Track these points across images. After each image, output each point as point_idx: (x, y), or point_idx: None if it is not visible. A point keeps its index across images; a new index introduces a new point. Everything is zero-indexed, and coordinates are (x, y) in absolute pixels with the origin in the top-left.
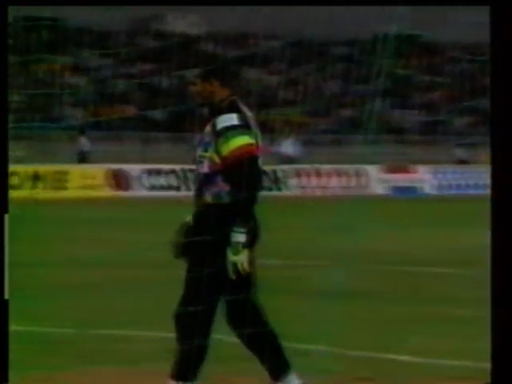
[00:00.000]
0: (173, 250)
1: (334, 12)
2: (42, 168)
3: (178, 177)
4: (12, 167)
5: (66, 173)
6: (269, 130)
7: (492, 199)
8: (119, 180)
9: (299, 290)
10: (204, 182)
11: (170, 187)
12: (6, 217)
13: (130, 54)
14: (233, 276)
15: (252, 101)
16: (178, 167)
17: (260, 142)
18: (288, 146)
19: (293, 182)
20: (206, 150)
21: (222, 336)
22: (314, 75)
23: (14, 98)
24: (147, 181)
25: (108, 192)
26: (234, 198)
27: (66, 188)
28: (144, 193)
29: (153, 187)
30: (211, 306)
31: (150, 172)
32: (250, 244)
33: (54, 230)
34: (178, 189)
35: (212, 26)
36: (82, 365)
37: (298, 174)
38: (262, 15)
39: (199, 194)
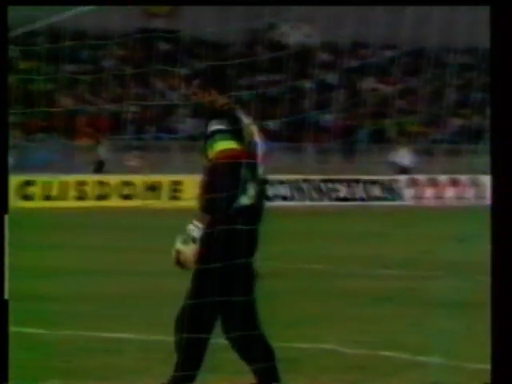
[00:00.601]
0: None
1: (451, 19)
2: (158, 178)
3: (290, 187)
4: (128, 177)
5: (180, 183)
6: (385, 139)
7: (492, 208)
8: None
9: (413, 300)
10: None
11: (283, 197)
12: (6, 217)
13: (246, 64)
14: (175, 264)
15: (368, 110)
16: (290, 177)
17: (259, 151)
18: (404, 156)
19: (408, 192)
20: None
21: (337, 346)
22: (431, 84)
23: (131, 109)
24: None
25: None
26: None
27: (180, 198)
28: None
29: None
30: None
31: None
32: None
33: (168, 239)
34: (290, 199)
35: (328, 37)
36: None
37: (413, 184)
38: (377, 25)
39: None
